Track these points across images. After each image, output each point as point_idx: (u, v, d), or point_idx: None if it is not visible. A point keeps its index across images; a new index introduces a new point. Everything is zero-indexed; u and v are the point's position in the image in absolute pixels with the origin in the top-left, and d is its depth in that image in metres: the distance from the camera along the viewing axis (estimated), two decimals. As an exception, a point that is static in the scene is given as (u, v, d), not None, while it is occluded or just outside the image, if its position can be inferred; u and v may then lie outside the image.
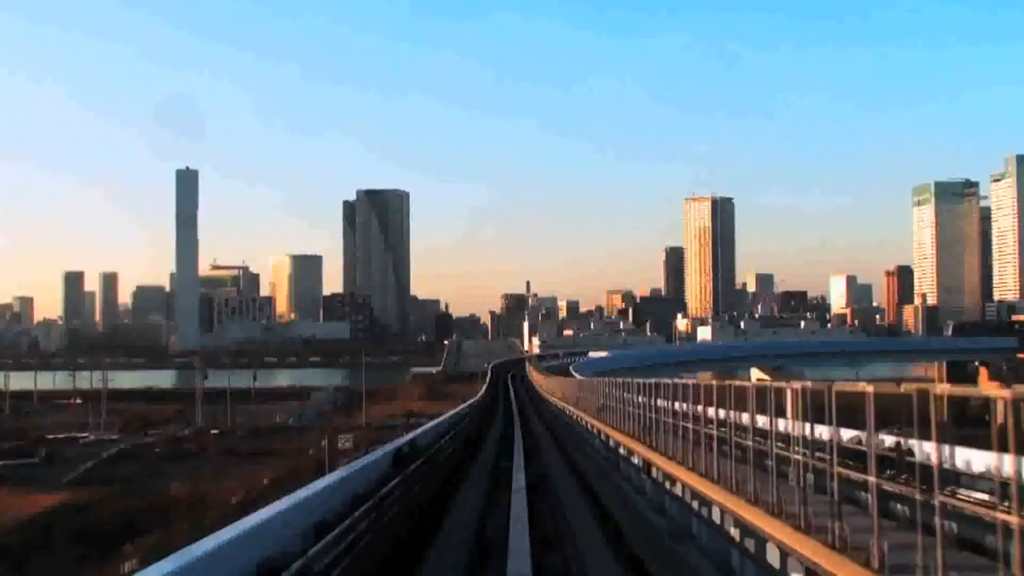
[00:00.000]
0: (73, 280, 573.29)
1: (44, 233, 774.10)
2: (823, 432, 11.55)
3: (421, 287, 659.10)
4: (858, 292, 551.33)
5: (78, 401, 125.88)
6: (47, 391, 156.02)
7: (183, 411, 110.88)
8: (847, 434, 11.28)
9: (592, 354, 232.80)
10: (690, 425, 19.36)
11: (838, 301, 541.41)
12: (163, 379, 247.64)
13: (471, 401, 78.44)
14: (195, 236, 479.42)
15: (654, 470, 23.15)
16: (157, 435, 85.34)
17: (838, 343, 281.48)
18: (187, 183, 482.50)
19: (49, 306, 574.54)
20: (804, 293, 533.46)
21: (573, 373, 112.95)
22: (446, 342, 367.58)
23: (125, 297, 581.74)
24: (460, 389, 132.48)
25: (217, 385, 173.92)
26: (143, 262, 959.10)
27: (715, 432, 16.74)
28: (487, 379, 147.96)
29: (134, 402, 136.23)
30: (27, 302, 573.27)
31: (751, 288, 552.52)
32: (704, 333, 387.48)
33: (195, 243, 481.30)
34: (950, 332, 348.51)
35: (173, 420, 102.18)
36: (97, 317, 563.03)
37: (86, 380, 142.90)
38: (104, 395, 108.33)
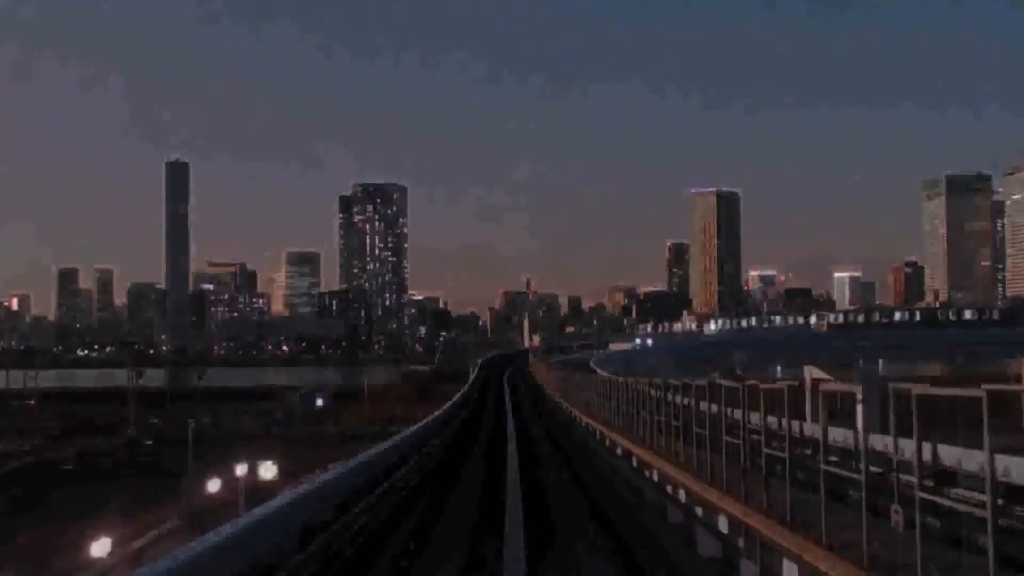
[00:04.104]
0: (67, 277, 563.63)
1: (39, 230, 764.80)
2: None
3: (419, 284, 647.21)
4: (863, 288, 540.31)
5: (31, 402, 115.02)
6: (9, 391, 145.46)
7: (141, 415, 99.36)
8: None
9: (613, 346, 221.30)
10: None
11: (842, 297, 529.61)
12: (149, 378, 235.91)
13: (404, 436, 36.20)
14: (186, 229, 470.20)
15: None
16: (84, 446, 73.91)
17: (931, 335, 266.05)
18: (177, 177, 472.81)
19: (45, 304, 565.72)
20: (808, 290, 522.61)
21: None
22: (442, 335, 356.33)
23: (121, 295, 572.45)
24: (453, 389, 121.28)
25: (207, 385, 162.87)
26: (139, 259, 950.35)
27: None
28: (468, 384, 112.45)
29: (98, 403, 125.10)
30: (23, 299, 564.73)
31: (755, 284, 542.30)
32: (710, 330, 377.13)
33: (186, 236, 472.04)
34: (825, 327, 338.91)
35: (124, 425, 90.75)
36: (92, 315, 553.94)
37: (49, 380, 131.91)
38: (36, 396, 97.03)
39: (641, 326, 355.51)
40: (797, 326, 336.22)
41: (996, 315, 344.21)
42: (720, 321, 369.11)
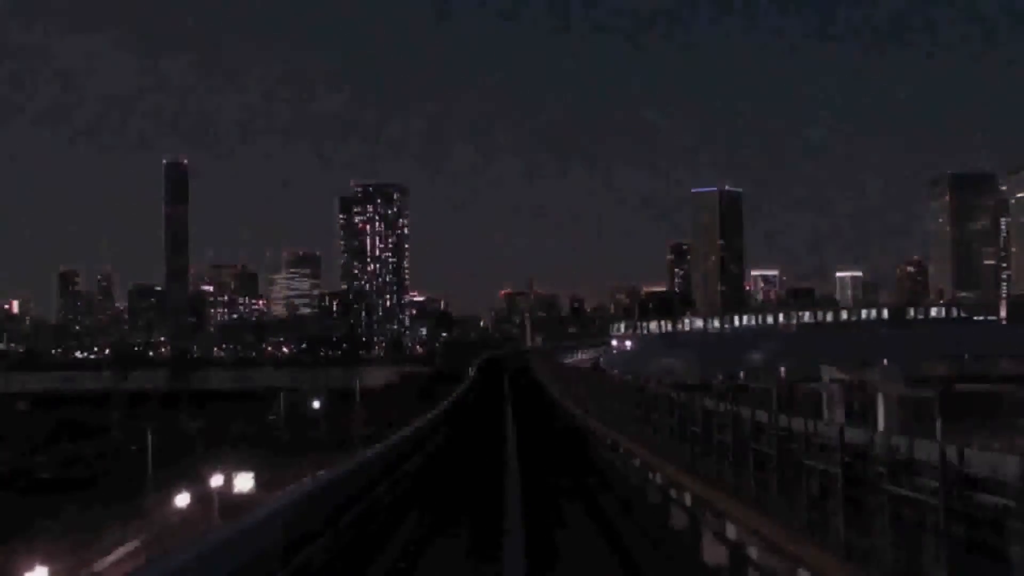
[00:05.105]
0: (67, 279, 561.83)
1: (39, 231, 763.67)
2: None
3: (420, 285, 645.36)
4: (866, 287, 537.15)
5: (22, 407, 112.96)
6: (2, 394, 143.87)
7: (132, 419, 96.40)
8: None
9: (616, 343, 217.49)
10: None
11: (845, 297, 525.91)
12: (146, 380, 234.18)
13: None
14: (185, 230, 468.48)
15: None
16: (65, 452, 71.10)
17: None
18: (176, 177, 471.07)
19: (45, 306, 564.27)
20: (811, 289, 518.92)
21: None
22: (443, 334, 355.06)
23: (121, 297, 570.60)
24: (451, 390, 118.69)
25: (205, 387, 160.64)
26: (139, 261, 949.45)
27: None
28: (460, 390, 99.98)
29: (90, 407, 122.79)
30: (23, 302, 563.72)
31: (758, 284, 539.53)
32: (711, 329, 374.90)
33: (186, 238, 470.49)
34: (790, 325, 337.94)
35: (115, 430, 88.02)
36: (92, 317, 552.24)
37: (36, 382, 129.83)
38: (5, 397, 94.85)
39: (615, 326, 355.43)
40: (766, 325, 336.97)
41: (963, 314, 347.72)
42: (701, 321, 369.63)
